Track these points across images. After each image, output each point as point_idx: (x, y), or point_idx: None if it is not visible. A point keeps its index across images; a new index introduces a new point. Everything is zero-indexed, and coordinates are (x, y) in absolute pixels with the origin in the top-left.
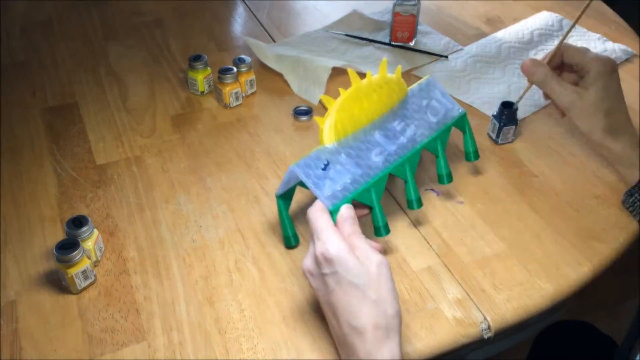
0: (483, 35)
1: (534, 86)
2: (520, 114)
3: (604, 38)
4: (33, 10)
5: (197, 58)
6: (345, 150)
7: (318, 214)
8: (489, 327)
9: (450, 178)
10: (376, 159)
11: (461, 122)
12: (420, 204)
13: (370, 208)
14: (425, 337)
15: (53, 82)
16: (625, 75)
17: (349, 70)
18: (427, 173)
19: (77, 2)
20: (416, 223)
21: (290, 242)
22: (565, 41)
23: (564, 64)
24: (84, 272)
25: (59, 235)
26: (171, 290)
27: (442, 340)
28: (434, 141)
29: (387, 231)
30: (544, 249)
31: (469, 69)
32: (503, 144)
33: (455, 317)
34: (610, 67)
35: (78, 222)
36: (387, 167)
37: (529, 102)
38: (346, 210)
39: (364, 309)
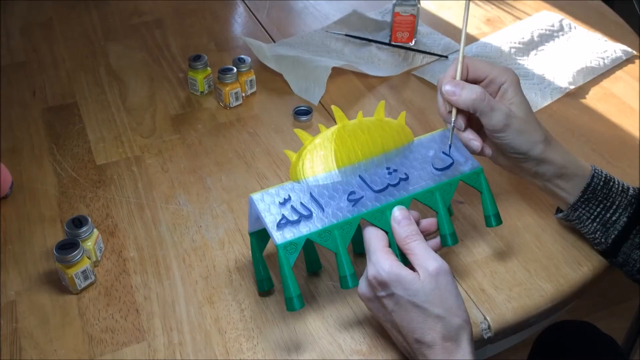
0: (483, 35)
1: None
2: None
3: (604, 38)
4: (33, 10)
5: (197, 58)
6: (315, 190)
7: (371, 234)
8: (489, 327)
9: (454, 238)
10: (348, 202)
11: (475, 180)
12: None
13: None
14: None
15: (53, 82)
16: (625, 76)
17: (334, 107)
18: None
19: (77, 2)
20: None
21: (262, 286)
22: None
23: (468, 80)
24: (84, 272)
25: (59, 235)
26: (171, 290)
27: None
28: (431, 194)
29: (355, 282)
30: (544, 249)
31: None
32: None
33: None
34: (517, 76)
35: (78, 222)
36: (360, 212)
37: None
38: (399, 212)
39: (429, 324)
